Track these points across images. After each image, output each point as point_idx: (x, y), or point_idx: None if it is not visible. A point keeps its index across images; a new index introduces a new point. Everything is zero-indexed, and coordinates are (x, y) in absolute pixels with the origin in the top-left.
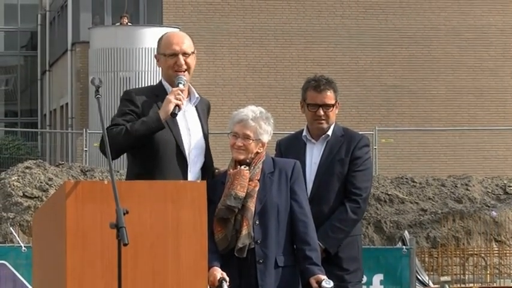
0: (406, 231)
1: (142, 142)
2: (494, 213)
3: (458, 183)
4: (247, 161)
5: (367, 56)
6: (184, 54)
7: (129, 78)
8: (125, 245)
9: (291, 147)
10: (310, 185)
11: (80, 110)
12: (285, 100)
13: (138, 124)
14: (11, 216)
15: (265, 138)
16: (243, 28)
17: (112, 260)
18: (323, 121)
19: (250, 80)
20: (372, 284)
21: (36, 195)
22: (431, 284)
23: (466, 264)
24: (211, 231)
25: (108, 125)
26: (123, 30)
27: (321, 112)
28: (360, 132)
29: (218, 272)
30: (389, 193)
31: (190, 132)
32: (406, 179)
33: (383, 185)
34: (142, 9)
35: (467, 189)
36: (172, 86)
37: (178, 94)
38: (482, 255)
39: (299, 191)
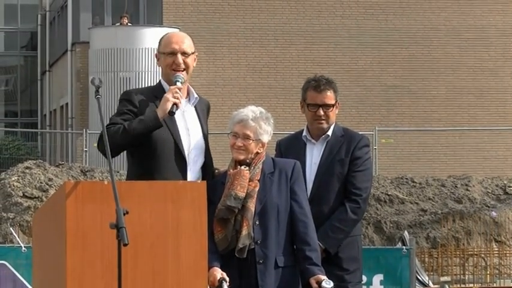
0: (406, 232)
1: (140, 141)
2: (494, 214)
3: (458, 183)
4: (247, 161)
5: (367, 56)
6: (184, 54)
7: (129, 78)
8: (125, 245)
9: (291, 147)
10: (310, 185)
11: (80, 110)
12: (285, 100)
13: (135, 122)
14: (11, 217)
15: (265, 138)
16: (243, 28)
17: (112, 260)
18: (323, 121)
19: (250, 80)
20: (372, 284)
21: (36, 196)
22: (431, 284)
23: (466, 264)
24: (211, 231)
25: (107, 124)
26: (123, 30)
27: (321, 112)
28: (360, 133)
29: (218, 272)
30: (389, 193)
31: (190, 132)
32: (406, 179)
33: (383, 185)
34: (142, 9)
35: (467, 190)
36: (171, 86)
37: (176, 92)
38: (482, 255)
39: (299, 191)
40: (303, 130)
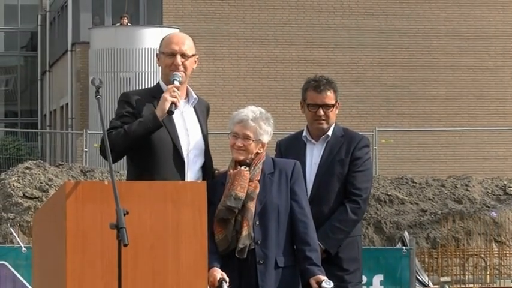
0: (406, 232)
1: (140, 143)
2: (494, 214)
3: (458, 183)
4: (247, 161)
5: (367, 56)
6: (183, 55)
7: (129, 78)
8: (125, 245)
9: (291, 147)
10: (310, 186)
11: (80, 110)
12: (285, 100)
13: (135, 125)
14: (11, 217)
15: (265, 138)
16: (243, 28)
17: (112, 261)
18: (323, 121)
19: (250, 81)
20: (372, 285)
21: (36, 196)
22: (431, 284)
23: (466, 264)
24: (211, 232)
25: (107, 127)
26: (123, 30)
27: (321, 112)
28: (360, 133)
29: (218, 273)
30: (389, 193)
31: (189, 132)
32: (406, 179)
33: (383, 186)
34: (143, 9)
35: (467, 190)
36: (169, 85)
37: (174, 91)
38: (482, 255)
39: (299, 191)
40: (303, 130)
